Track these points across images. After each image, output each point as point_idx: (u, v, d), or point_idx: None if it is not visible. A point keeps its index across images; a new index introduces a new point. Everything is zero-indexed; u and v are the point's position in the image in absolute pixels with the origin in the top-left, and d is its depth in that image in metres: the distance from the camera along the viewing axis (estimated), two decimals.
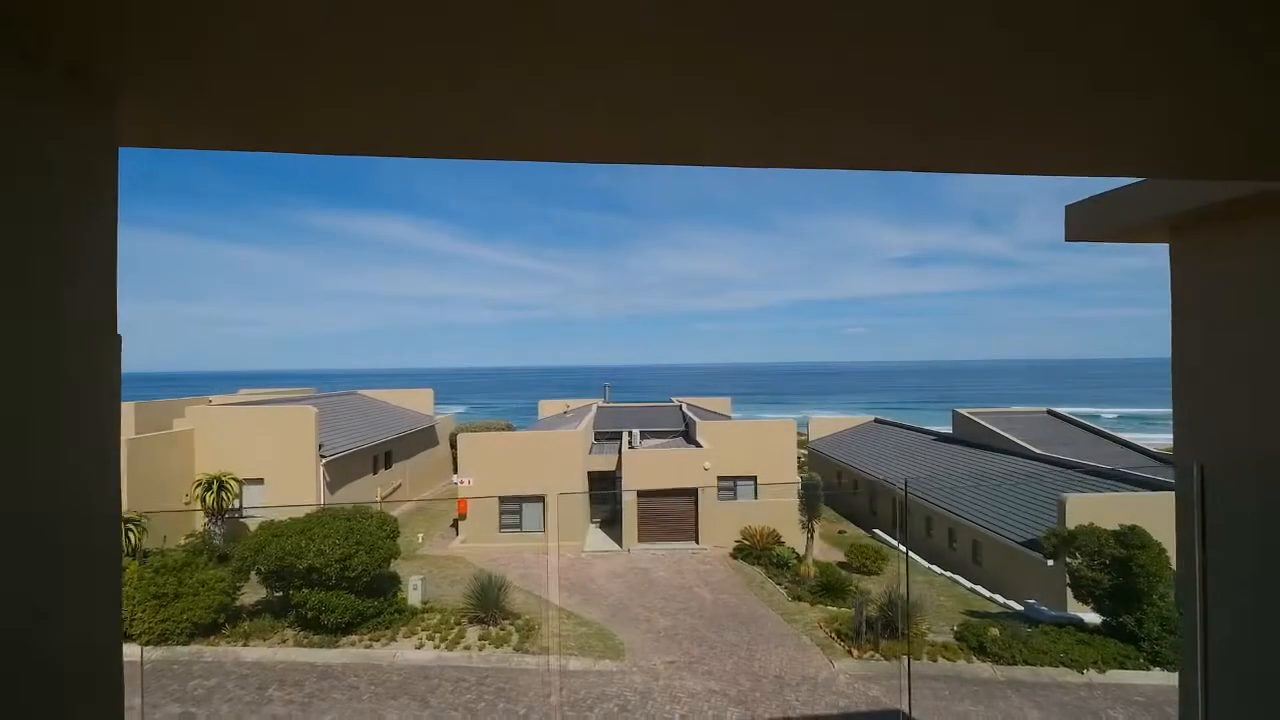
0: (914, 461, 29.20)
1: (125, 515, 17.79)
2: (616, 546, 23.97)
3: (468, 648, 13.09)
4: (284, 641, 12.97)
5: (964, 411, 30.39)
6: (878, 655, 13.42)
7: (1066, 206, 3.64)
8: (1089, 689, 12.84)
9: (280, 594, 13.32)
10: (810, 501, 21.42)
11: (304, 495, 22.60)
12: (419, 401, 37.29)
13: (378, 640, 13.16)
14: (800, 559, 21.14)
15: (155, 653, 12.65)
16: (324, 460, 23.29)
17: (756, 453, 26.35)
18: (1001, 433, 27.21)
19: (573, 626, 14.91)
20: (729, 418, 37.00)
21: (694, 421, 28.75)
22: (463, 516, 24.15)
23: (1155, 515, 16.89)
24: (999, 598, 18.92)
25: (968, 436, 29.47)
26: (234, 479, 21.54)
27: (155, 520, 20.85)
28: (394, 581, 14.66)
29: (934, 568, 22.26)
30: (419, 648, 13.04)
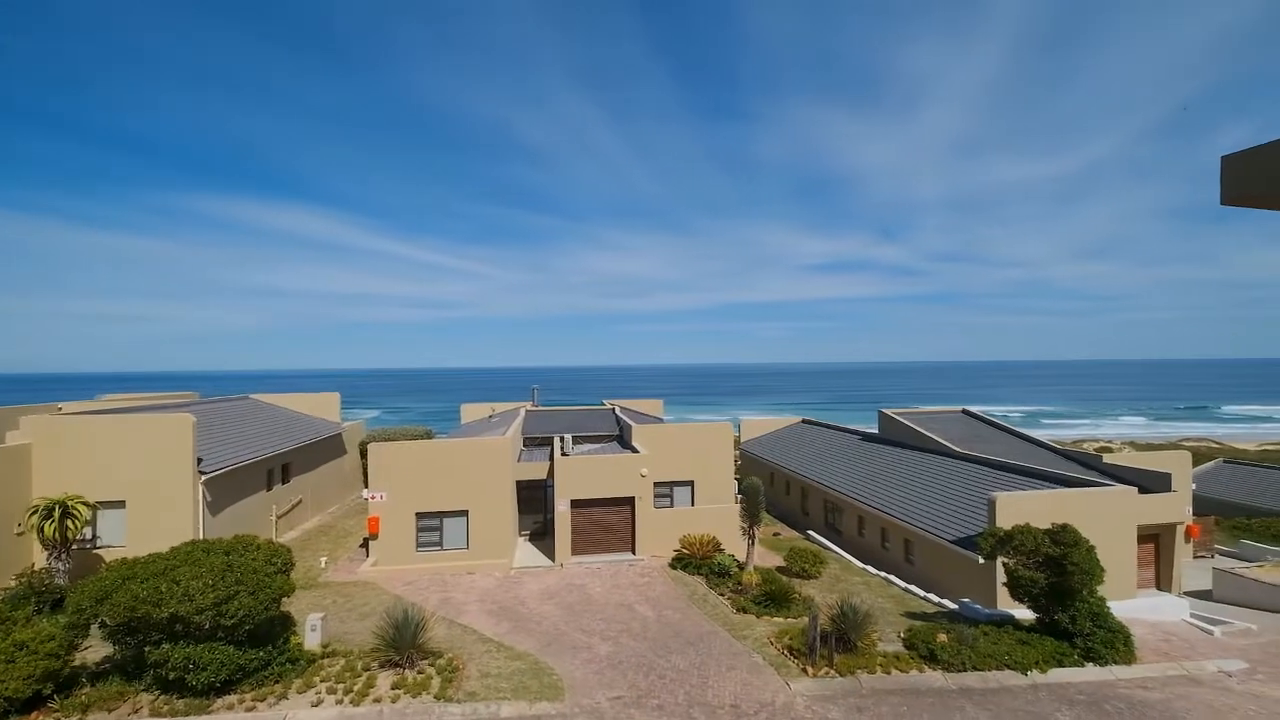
0: (843, 461, 29.52)
1: None
2: (548, 561, 22.33)
3: (378, 700, 11.08)
4: (136, 711, 10.39)
5: (889, 412, 31.14)
6: (833, 672, 12.74)
7: (1223, 158, 2.69)
8: (1034, 691, 12.79)
9: (133, 651, 10.71)
10: (752, 506, 20.80)
11: (178, 520, 19.32)
12: (323, 407, 33.71)
13: (263, 700, 10.85)
14: (741, 567, 20.45)
15: None
16: (204, 477, 20.05)
17: (694, 456, 25.57)
18: (924, 432, 27.98)
19: (503, 661, 13.22)
20: (662, 420, 36.14)
21: (629, 425, 27.58)
22: (374, 536, 21.62)
23: (1081, 513, 17.51)
24: (933, 597, 19.05)
25: (893, 436, 30.18)
26: (83, 503, 17.96)
27: None
28: (286, 623, 12.33)
29: (868, 568, 22.30)
30: (316, 704, 10.88)
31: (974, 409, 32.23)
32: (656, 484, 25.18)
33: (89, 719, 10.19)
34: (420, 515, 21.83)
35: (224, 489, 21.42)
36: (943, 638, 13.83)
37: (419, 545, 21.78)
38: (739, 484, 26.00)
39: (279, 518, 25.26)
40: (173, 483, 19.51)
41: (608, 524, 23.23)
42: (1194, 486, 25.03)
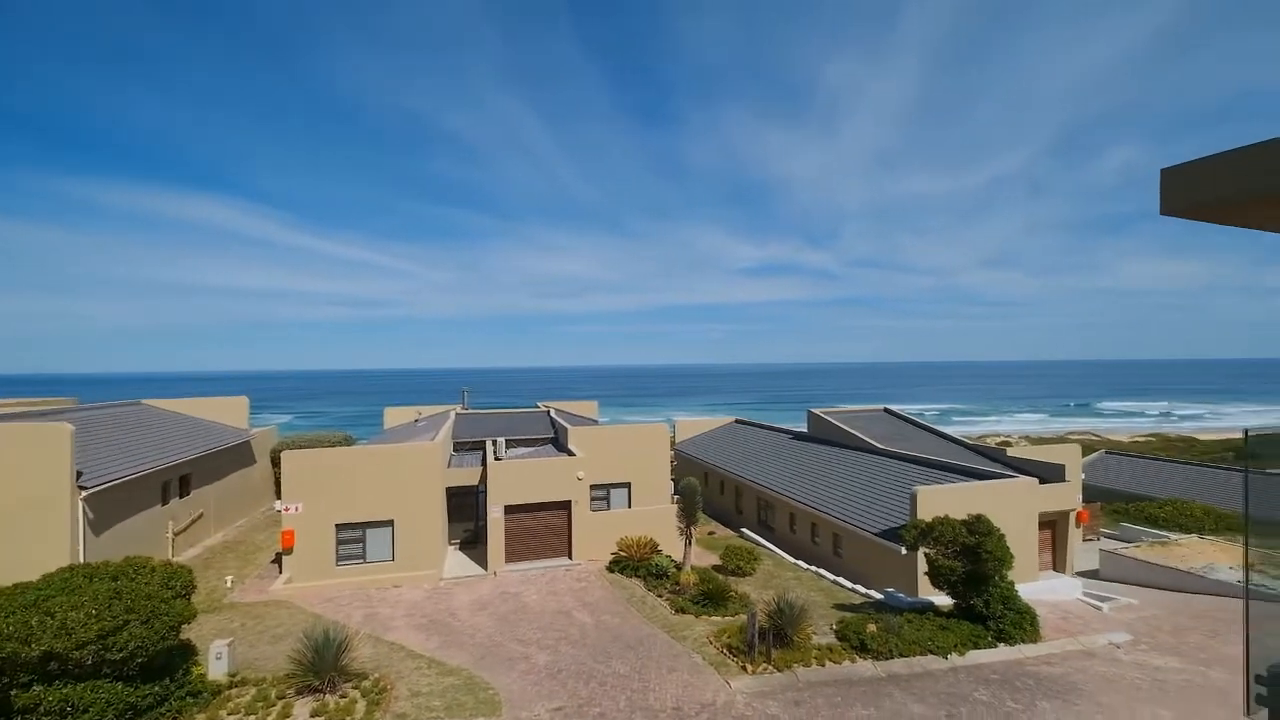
0: (775, 460, 30.34)
1: None
2: (481, 570, 21.55)
3: None
4: None
5: (817, 411, 32.32)
6: (771, 668, 12.96)
7: (1163, 170, 2.82)
8: (954, 674, 13.52)
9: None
10: (689, 506, 20.94)
11: (52, 542, 17.13)
12: (229, 412, 31.07)
13: None
14: (679, 567, 20.53)
15: None
16: (85, 492, 17.90)
17: (631, 458, 25.49)
18: (850, 430, 29.24)
19: (435, 678, 12.54)
20: (596, 422, 35.86)
21: (564, 428, 27.14)
22: (288, 550, 20.07)
23: (991, 503, 18.75)
24: (860, 588, 19.87)
25: (822, 434, 31.35)
26: None
27: None
28: (187, 653, 11.11)
29: (800, 563, 22.99)
30: None
31: (895, 408, 34.04)
32: (593, 487, 24.91)
33: None
34: (341, 526, 20.50)
35: (110, 505, 19.22)
36: (872, 628, 14.40)
37: (339, 559, 20.44)
38: (676, 485, 26.19)
39: (176, 535, 22.99)
40: (45, 500, 17.29)
41: (543, 529, 22.72)
42: (1083, 476, 27.51)
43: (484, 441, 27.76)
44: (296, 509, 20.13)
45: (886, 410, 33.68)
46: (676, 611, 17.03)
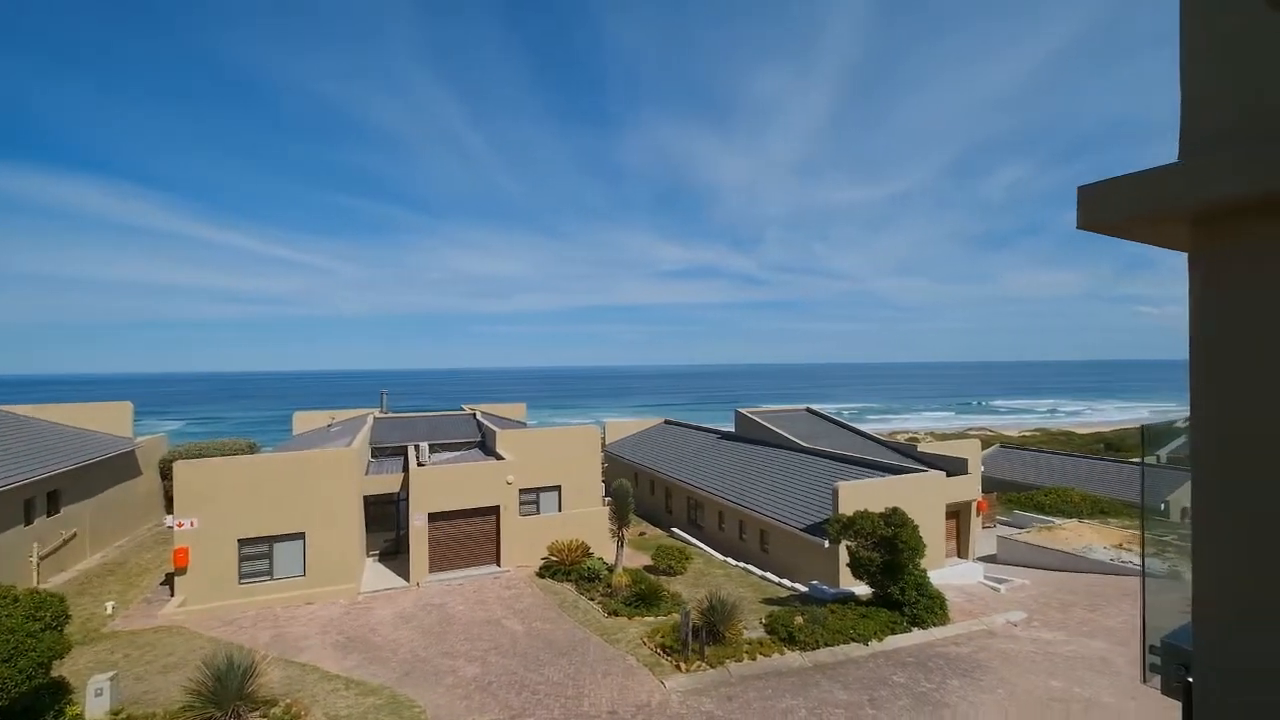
0: (703, 459, 30.90)
1: None
2: (403, 582, 20.51)
3: None
4: None
5: (744, 411, 33.21)
6: (705, 665, 13.10)
7: (1079, 188, 3.03)
8: (874, 659, 14.23)
9: None
10: (621, 508, 20.89)
11: None
12: (110, 419, 27.86)
13: None
14: (611, 569, 20.42)
15: None
16: None
17: (561, 461, 25.10)
18: (775, 429, 30.26)
19: (354, 699, 11.74)
20: (525, 424, 35.14)
21: (492, 431, 26.36)
22: (181, 570, 18.25)
23: (905, 496, 19.91)
24: (786, 582, 20.56)
25: (748, 434, 32.23)
26: None
27: None
28: (60, 691, 9.76)
29: (729, 560, 23.50)
30: None
31: (816, 407, 35.58)
32: (523, 491, 24.32)
33: None
34: (244, 541, 18.87)
35: None
36: (799, 620, 14.90)
37: (242, 576, 18.80)
38: (607, 487, 26.06)
39: (43, 559, 20.33)
40: None
41: (470, 536, 21.96)
42: (982, 469, 29.88)
43: (405, 446, 26.47)
44: (191, 524, 18.35)
45: (809, 410, 35.15)
46: (609, 614, 16.91)
